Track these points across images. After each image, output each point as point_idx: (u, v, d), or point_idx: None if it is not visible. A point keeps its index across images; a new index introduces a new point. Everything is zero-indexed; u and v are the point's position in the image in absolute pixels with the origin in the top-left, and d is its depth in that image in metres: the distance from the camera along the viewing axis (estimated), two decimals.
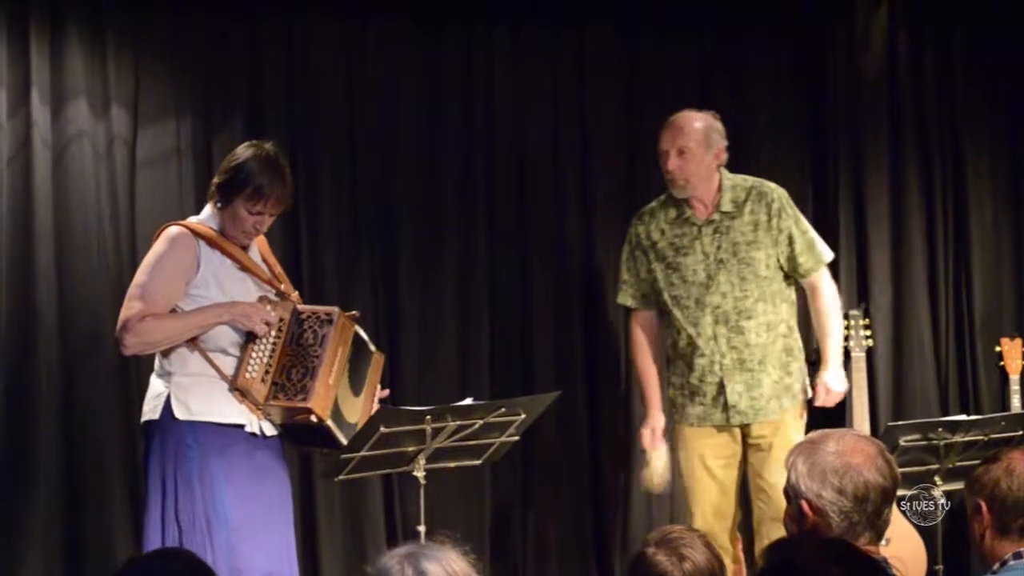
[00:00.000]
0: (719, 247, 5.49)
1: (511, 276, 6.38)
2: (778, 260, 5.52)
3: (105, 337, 5.64)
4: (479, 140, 6.38)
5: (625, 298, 5.68)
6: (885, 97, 6.59)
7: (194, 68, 6.02)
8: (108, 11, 5.89)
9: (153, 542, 4.53)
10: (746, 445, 5.55)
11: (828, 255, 5.65)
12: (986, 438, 5.12)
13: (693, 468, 5.55)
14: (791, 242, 5.53)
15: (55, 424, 5.77)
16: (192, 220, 4.72)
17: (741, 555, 5.65)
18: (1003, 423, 5.20)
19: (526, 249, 6.41)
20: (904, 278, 6.49)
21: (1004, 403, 6.36)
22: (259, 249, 4.81)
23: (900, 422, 5.43)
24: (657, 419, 5.59)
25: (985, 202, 6.59)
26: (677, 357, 5.58)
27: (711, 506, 5.52)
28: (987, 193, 6.60)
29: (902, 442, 5.05)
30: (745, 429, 5.53)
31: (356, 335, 4.78)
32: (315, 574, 6.01)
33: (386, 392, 4.95)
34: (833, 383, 5.57)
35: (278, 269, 4.84)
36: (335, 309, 4.69)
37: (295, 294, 4.79)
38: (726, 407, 5.48)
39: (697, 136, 5.47)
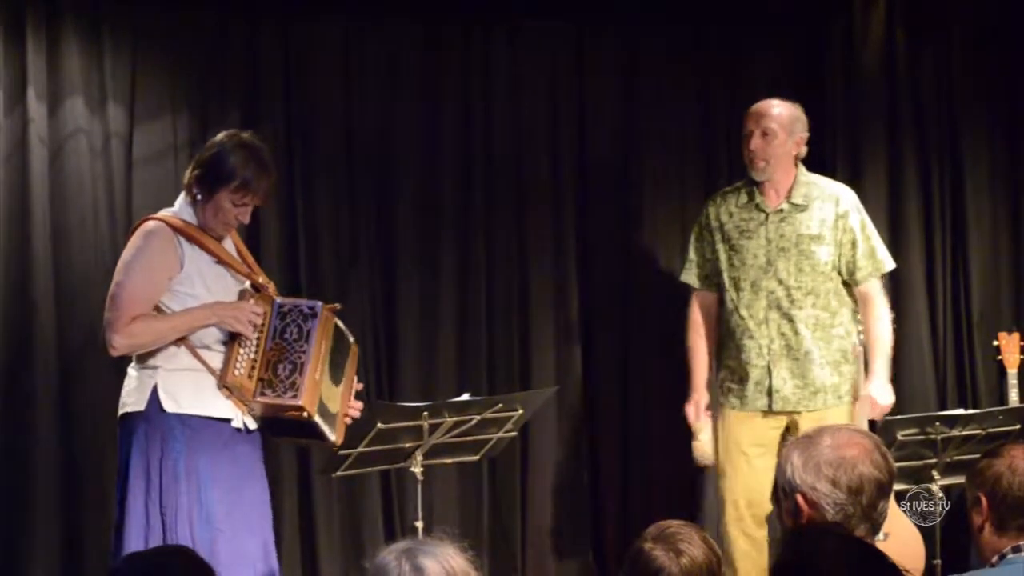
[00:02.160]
0: (783, 235, 5.57)
1: (509, 274, 6.38)
2: (837, 261, 5.58)
3: (102, 333, 5.64)
4: (478, 140, 6.38)
5: (689, 276, 5.74)
6: (883, 95, 6.59)
7: (191, 65, 6.02)
8: (105, 8, 5.89)
9: (133, 534, 4.46)
10: (791, 434, 5.56)
11: (888, 264, 5.71)
12: (984, 432, 5.12)
13: (729, 453, 5.59)
14: (853, 245, 5.60)
15: (53, 423, 5.76)
16: (166, 213, 4.62)
17: (766, 544, 5.65)
18: (1001, 417, 5.21)
19: (525, 248, 6.42)
20: (902, 273, 6.48)
21: (1002, 397, 6.36)
22: (232, 240, 4.75)
23: (898, 416, 5.44)
24: (701, 395, 5.64)
25: (983, 198, 6.59)
26: (729, 338, 5.64)
27: (746, 488, 5.54)
28: (984, 189, 6.60)
29: (900, 436, 5.06)
30: (793, 422, 5.55)
31: (335, 326, 4.74)
32: (313, 570, 6.02)
33: (360, 386, 4.84)
34: (880, 396, 5.56)
35: (251, 260, 4.78)
36: (318, 303, 4.61)
37: (271, 285, 4.73)
38: (771, 392, 5.54)
39: (782, 120, 5.56)
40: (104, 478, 5.77)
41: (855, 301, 5.66)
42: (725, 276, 5.62)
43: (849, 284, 5.63)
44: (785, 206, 5.58)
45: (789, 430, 5.56)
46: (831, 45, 6.62)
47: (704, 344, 5.70)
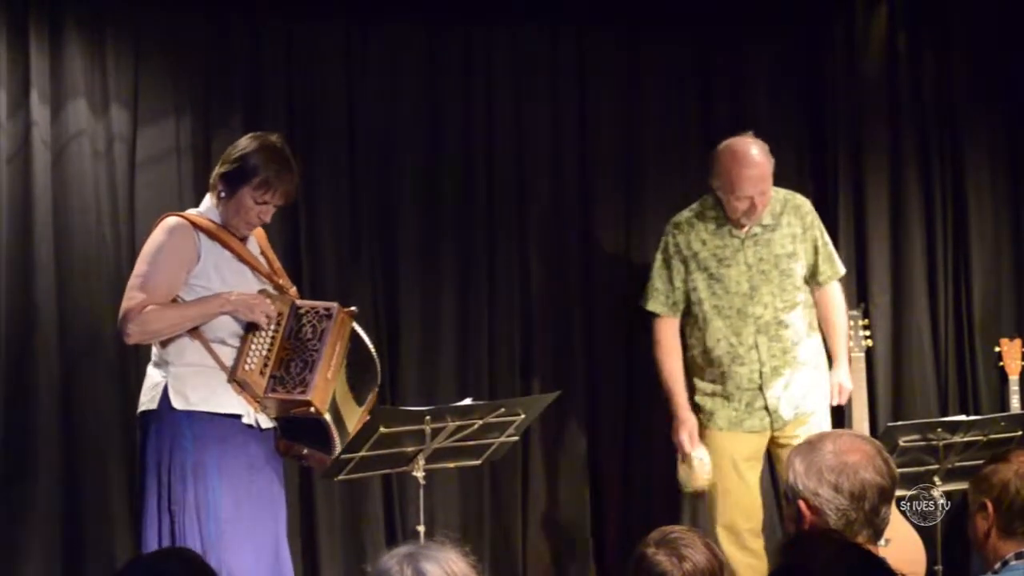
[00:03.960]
0: (761, 259, 5.59)
1: (511, 276, 6.38)
2: (806, 268, 5.66)
3: (104, 335, 5.65)
4: (479, 140, 6.38)
5: (656, 305, 5.73)
6: (885, 97, 6.59)
7: (194, 67, 6.02)
8: (107, 10, 5.89)
9: (149, 532, 4.54)
10: (774, 445, 5.60)
11: (842, 269, 5.83)
12: (985, 438, 5.11)
13: (724, 471, 5.60)
14: (816, 252, 5.67)
15: (55, 422, 5.76)
16: (191, 212, 4.73)
17: (764, 553, 5.66)
18: (1002, 423, 5.20)
19: (526, 249, 6.41)
20: (903, 278, 6.49)
21: (1003, 403, 6.36)
22: (257, 242, 4.82)
23: (899, 422, 5.43)
24: (691, 420, 5.63)
25: (984, 202, 6.59)
26: (710, 364, 5.65)
27: (739, 507, 5.59)
28: (986, 193, 6.60)
29: (901, 442, 5.05)
30: (777, 430, 5.60)
31: (358, 337, 4.78)
32: (314, 574, 6.01)
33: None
34: (847, 381, 5.74)
35: (276, 264, 4.86)
36: (334, 305, 4.71)
37: (293, 289, 4.81)
38: (768, 412, 5.57)
39: (772, 168, 5.55)
40: (105, 479, 5.79)
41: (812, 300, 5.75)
42: (706, 305, 5.62)
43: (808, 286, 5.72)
44: (757, 228, 5.60)
45: (774, 439, 5.61)
46: (832, 45, 6.61)
47: (680, 369, 5.70)
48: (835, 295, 5.79)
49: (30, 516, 5.74)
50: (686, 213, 5.72)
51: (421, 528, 4.89)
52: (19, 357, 5.75)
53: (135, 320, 4.55)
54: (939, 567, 5.27)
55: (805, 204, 5.71)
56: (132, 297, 4.58)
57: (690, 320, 5.70)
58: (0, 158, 5.75)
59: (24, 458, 5.75)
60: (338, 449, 4.67)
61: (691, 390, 5.71)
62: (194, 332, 4.59)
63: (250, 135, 4.77)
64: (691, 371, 5.72)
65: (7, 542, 5.73)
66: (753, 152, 5.51)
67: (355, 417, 4.75)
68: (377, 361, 4.90)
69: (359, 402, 4.77)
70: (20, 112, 5.75)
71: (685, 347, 5.74)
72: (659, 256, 5.74)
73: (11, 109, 5.75)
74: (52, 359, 5.76)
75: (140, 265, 4.64)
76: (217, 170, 4.71)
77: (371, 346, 4.87)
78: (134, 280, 4.62)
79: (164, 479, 4.55)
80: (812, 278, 5.70)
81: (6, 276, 5.75)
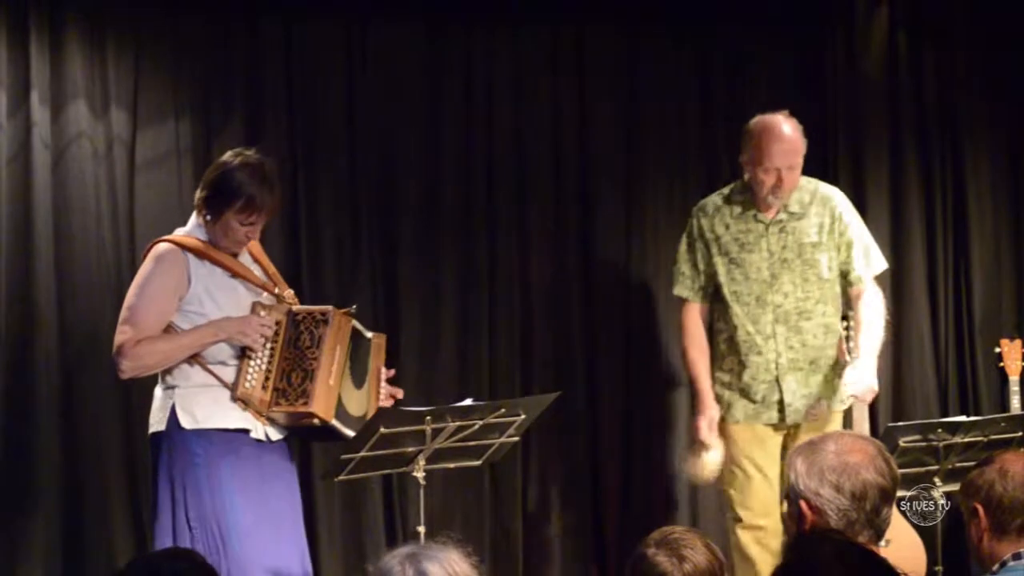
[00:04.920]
0: (784, 246, 5.53)
1: (511, 276, 6.38)
2: (836, 264, 5.57)
3: (104, 338, 5.60)
4: (479, 140, 6.38)
5: (682, 289, 5.67)
6: (885, 97, 6.59)
7: (193, 68, 6.02)
8: (108, 12, 5.90)
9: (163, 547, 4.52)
10: (790, 443, 5.54)
11: (882, 265, 5.70)
12: (986, 439, 5.11)
13: (742, 466, 5.55)
14: (849, 247, 5.57)
15: (55, 425, 5.77)
16: (179, 233, 4.67)
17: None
18: (1003, 424, 5.20)
19: (526, 249, 6.41)
20: (904, 279, 6.49)
21: (1004, 404, 6.36)
22: (250, 252, 4.78)
23: (900, 423, 5.42)
24: (713, 410, 5.57)
25: (985, 203, 6.59)
26: (730, 353, 5.60)
27: (759, 503, 5.52)
28: (987, 193, 6.60)
29: (902, 443, 5.04)
30: (792, 429, 5.55)
31: (353, 329, 4.77)
32: (315, 574, 6.01)
33: (391, 372, 4.92)
34: (851, 377, 5.41)
35: (272, 270, 4.81)
36: (329, 308, 4.67)
37: (289, 293, 4.76)
38: (782, 406, 5.51)
39: (803, 148, 5.50)
40: (105, 483, 5.80)
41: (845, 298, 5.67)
42: (726, 290, 5.56)
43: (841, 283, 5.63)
44: (783, 215, 5.53)
45: (790, 435, 5.56)
46: (833, 46, 6.61)
47: (705, 357, 5.63)
48: (868, 292, 5.58)
49: (30, 517, 5.75)
50: (713, 197, 5.67)
51: (422, 528, 4.89)
52: (19, 357, 5.76)
53: (128, 356, 4.51)
54: (939, 567, 5.27)
55: (836, 195, 5.62)
56: (123, 332, 4.54)
57: (718, 306, 5.63)
58: (0, 159, 5.76)
59: (24, 458, 5.76)
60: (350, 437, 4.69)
61: (712, 380, 5.63)
62: (193, 357, 4.56)
63: (229, 153, 4.67)
64: (714, 359, 5.65)
65: (7, 542, 5.73)
66: (784, 126, 5.47)
67: (362, 400, 4.75)
68: (370, 334, 4.84)
69: (359, 384, 4.76)
70: (20, 113, 5.76)
71: (714, 332, 5.67)
72: (684, 239, 5.68)
73: (11, 110, 5.76)
74: (52, 359, 5.77)
75: (130, 296, 4.60)
76: (199, 194, 4.64)
77: (367, 332, 4.84)
78: (124, 313, 4.57)
79: (179, 497, 4.53)
80: (845, 276, 5.58)
81: (6, 276, 5.75)
